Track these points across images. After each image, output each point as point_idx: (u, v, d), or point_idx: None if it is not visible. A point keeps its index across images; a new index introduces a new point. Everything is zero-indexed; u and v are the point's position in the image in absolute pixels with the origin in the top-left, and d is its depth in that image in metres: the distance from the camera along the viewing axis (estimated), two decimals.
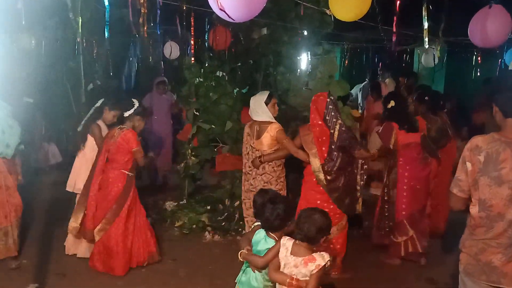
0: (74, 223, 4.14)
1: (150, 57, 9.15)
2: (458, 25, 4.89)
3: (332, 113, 3.87)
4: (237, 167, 5.15)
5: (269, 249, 2.54)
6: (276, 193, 2.94)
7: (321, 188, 3.83)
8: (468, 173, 2.31)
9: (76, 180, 4.44)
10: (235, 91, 5.37)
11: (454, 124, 5.19)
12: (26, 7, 3.65)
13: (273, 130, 4.08)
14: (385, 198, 4.37)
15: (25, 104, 5.96)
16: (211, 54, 5.86)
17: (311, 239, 2.45)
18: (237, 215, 5.00)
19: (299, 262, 2.41)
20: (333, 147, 3.79)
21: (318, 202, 3.79)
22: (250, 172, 4.24)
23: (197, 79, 5.40)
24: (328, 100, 3.91)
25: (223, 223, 4.98)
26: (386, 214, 4.34)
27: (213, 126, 5.26)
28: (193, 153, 5.39)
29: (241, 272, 2.78)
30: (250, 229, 2.95)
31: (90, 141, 4.43)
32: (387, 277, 4.19)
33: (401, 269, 4.38)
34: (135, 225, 4.14)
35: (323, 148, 3.80)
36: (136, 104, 4.12)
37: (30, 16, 5.20)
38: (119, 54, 8.82)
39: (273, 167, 4.15)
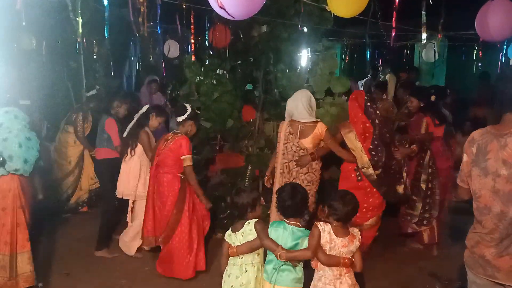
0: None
1: (151, 56, 9.16)
2: (459, 19, 4.89)
3: (371, 110, 4.05)
4: (238, 164, 5.16)
5: (310, 238, 2.67)
6: (293, 182, 3.37)
7: (360, 183, 4.00)
8: (464, 164, 2.42)
9: (125, 187, 4.42)
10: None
11: (455, 118, 5.21)
12: (27, 7, 3.66)
13: (321, 129, 4.03)
14: (423, 189, 4.53)
15: (24, 105, 5.98)
16: (211, 52, 5.86)
17: (346, 218, 2.69)
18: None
19: (346, 242, 2.65)
20: (376, 142, 3.97)
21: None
22: (290, 172, 4.08)
23: (198, 77, 5.41)
24: (366, 97, 4.09)
25: (226, 221, 5.00)
26: (427, 207, 4.54)
27: (214, 124, 5.27)
28: (194, 151, 5.40)
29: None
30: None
31: (139, 148, 4.40)
32: (390, 271, 4.20)
33: (404, 263, 4.40)
34: (198, 228, 4.08)
35: (366, 145, 3.96)
36: (189, 109, 4.08)
37: (31, 16, 5.22)
38: (120, 53, 8.82)
39: (317, 166, 4.11)
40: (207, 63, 5.58)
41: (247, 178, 5.08)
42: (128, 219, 4.47)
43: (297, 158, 4.04)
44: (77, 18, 4.03)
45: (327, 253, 2.66)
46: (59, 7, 5.67)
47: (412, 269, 4.29)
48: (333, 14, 3.95)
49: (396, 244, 4.77)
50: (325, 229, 2.67)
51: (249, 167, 5.12)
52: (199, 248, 4.06)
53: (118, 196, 4.47)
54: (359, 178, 4.03)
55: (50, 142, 6.36)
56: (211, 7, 2.89)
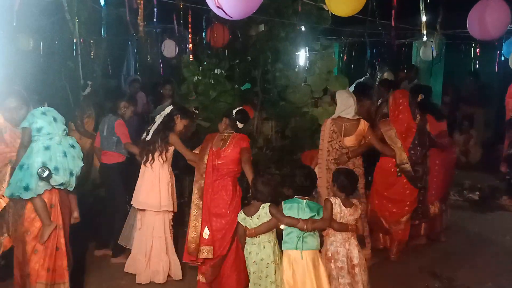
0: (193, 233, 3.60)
1: (148, 56, 9.12)
2: (456, 17, 4.88)
3: (413, 110, 4.33)
4: None
5: (324, 210, 3.15)
6: (307, 167, 3.72)
7: (398, 179, 4.26)
8: None
9: (148, 196, 3.95)
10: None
11: (454, 116, 5.26)
12: (24, 7, 3.63)
13: (364, 125, 4.18)
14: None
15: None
16: (209, 52, 5.85)
17: (351, 191, 3.33)
18: None
19: (352, 211, 3.24)
20: (416, 142, 4.23)
21: (389, 203, 4.36)
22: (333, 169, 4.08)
23: (196, 77, 5.40)
24: (409, 98, 4.37)
25: None
26: (421, 198, 4.53)
27: (212, 123, 5.25)
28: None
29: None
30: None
31: (169, 153, 4.01)
32: (390, 270, 4.20)
33: (405, 262, 4.39)
34: None
35: (407, 144, 4.22)
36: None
37: (28, 16, 5.20)
38: (117, 53, 8.80)
39: (360, 162, 4.22)
40: (205, 62, 5.57)
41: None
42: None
43: (337, 157, 4.19)
44: (74, 18, 4.00)
45: (338, 221, 3.20)
46: (56, 7, 5.64)
47: (412, 268, 4.29)
48: (331, 13, 3.95)
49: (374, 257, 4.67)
50: (336, 202, 3.23)
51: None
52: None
53: (138, 206, 4.03)
54: (399, 174, 4.27)
55: None
56: (208, 6, 2.88)
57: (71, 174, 3.09)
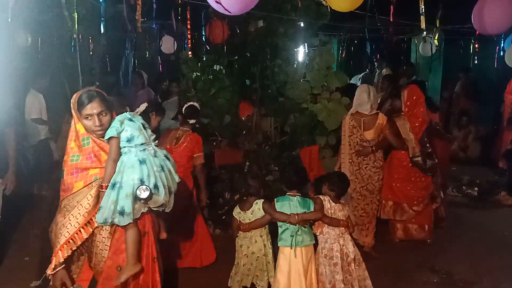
0: None
1: (147, 52, 9.11)
2: (455, 13, 4.88)
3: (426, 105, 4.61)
4: (237, 160, 5.15)
5: (316, 206, 3.27)
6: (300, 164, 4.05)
7: (412, 169, 4.51)
8: None
9: None
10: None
11: (452, 112, 5.29)
12: (22, 3, 3.62)
13: (382, 119, 4.35)
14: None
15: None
16: (208, 48, 5.84)
17: (340, 193, 3.45)
18: None
19: (341, 207, 3.37)
20: (427, 135, 4.47)
21: (408, 186, 4.61)
22: (356, 162, 4.39)
23: (195, 73, 5.39)
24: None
25: (224, 217, 5.00)
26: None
27: (211, 120, 5.26)
28: None
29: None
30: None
31: None
32: (388, 265, 4.21)
33: (403, 257, 4.41)
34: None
35: (418, 136, 4.45)
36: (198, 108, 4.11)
37: (26, 12, 5.18)
38: (116, 50, 8.78)
39: (381, 155, 4.42)
40: (204, 58, 5.56)
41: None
42: None
43: (359, 150, 4.34)
44: (72, 14, 3.99)
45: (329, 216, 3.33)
46: (54, 3, 5.63)
47: (411, 262, 4.31)
48: (330, 8, 3.94)
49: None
50: (325, 199, 3.36)
51: (247, 163, 5.12)
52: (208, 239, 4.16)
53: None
54: (412, 165, 4.51)
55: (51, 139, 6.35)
56: (207, 2, 2.88)
57: (170, 192, 2.41)
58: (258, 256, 3.40)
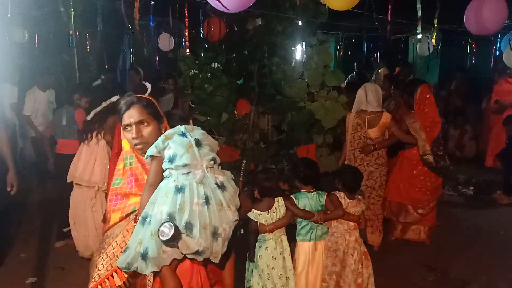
0: None
1: (144, 50, 9.09)
2: (452, 12, 4.89)
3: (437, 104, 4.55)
4: (234, 158, 5.15)
5: (336, 204, 3.29)
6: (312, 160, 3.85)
7: (422, 168, 4.47)
8: None
9: (86, 173, 4.14)
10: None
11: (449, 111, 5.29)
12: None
13: (386, 118, 4.40)
14: None
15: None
16: (205, 46, 5.83)
17: (354, 189, 3.44)
18: None
19: (355, 203, 3.37)
20: (441, 135, 4.45)
21: (416, 188, 4.57)
22: (356, 159, 4.46)
23: (192, 70, 5.38)
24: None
25: None
26: None
27: (208, 118, 5.25)
28: None
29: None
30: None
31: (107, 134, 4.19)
32: (384, 264, 4.22)
33: (399, 256, 4.42)
34: None
35: (431, 137, 4.41)
36: (150, 88, 4.06)
37: (23, 9, 5.16)
38: (113, 46, 8.76)
39: (384, 153, 4.48)
40: (201, 56, 5.55)
41: (242, 172, 5.08)
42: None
43: (361, 146, 4.40)
44: (69, 11, 3.98)
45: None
46: (51, 0, 5.61)
47: (407, 261, 4.33)
48: (328, 7, 3.95)
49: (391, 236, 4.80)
50: (341, 196, 3.36)
51: (244, 161, 5.12)
52: None
53: (72, 180, 4.20)
54: (423, 164, 4.48)
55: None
56: None
57: (214, 234, 1.75)
58: (284, 257, 3.23)
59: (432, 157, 4.42)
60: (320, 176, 3.59)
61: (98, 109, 4.22)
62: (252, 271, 3.19)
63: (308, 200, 3.25)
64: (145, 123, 1.97)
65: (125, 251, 1.76)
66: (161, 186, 1.81)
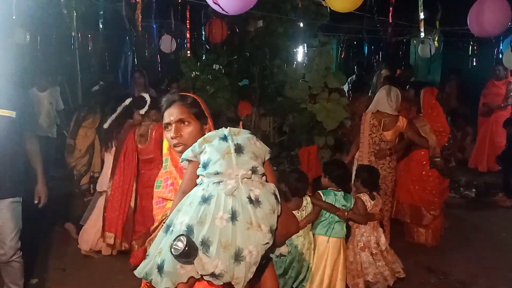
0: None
1: (146, 51, 9.09)
2: (454, 14, 4.89)
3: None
4: None
5: (359, 208, 3.49)
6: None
7: (431, 170, 4.53)
8: None
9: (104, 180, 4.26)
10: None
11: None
12: (21, 1, 3.60)
13: (402, 122, 4.47)
14: None
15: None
16: (207, 47, 5.84)
17: (373, 187, 3.70)
18: None
19: (377, 202, 3.61)
20: (451, 141, 4.58)
21: (426, 189, 4.61)
22: (375, 161, 4.47)
23: (194, 72, 5.39)
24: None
25: None
26: None
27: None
28: None
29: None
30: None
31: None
32: None
33: (400, 257, 4.41)
34: None
35: (441, 141, 4.50)
36: (148, 98, 4.05)
37: (25, 10, 5.17)
38: (115, 48, 8.77)
39: (395, 156, 4.55)
40: (203, 58, 5.56)
41: None
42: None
43: (377, 149, 4.44)
44: (71, 12, 3.99)
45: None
46: (53, 1, 5.63)
47: (408, 263, 4.31)
48: (330, 9, 3.95)
49: (392, 238, 4.79)
50: (366, 199, 3.58)
51: None
52: None
53: (100, 190, 4.32)
54: (432, 166, 4.55)
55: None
56: (206, 1, 2.88)
57: (237, 256, 1.47)
58: (310, 251, 3.49)
59: (441, 160, 4.50)
60: (349, 179, 3.76)
61: (113, 116, 4.26)
62: (280, 267, 3.35)
63: (334, 197, 3.44)
64: (186, 123, 1.84)
65: (145, 258, 1.59)
66: (191, 193, 1.60)
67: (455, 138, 6.83)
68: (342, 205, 3.45)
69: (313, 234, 3.50)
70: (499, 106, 6.59)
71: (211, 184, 1.56)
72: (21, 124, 3.12)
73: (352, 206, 3.48)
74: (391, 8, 4.06)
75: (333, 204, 3.44)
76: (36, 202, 3.31)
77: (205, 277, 1.49)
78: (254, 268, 1.50)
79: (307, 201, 3.48)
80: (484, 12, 3.84)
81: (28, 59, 6.20)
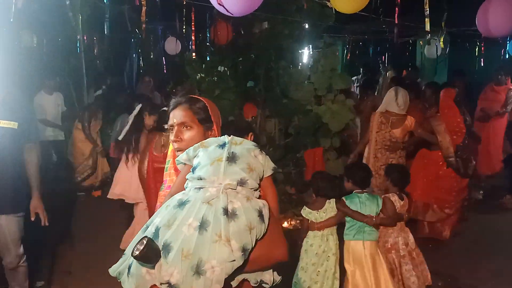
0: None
1: (151, 54, 9.13)
2: (460, 15, 4.86)
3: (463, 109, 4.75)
4: None
5: (388, 209, 3.40)
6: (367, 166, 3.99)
7: (446, 170, 4.57)
8: None
9: (127, 190, 4.26)
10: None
11: None
12: (27, 4, 3.60)
13: (410, 121, 4.57)
14: None
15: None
16: (212, 49, 5.84)
17: (403, 185, 3.62)
18: None
19: (405, 203, 3.51)
20: (466, 141, 4.60)
21: (442, 188, 4.67)
22: (381, 158, 4.61)
23: (199, 74, 5.39)
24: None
25: None
26: None
27: None
28: None
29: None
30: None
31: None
32: None
33: None
34: None
35: (456, 142, 4.54)
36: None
37: (31, 14, 5.20)
38: (120, 51, 8.81)
39: (404, 153, 4.66)
40: (208, 60, 5.56)
41: None
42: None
43: (388, 144, 4.54)
44: (77, 15, 4.00)
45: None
46: (59, 4, 5.65)
47: (416, 267, 4.28)
48: (335, 10, 3.93)
49: None
50: (395, 200, 3.48)
51: None
52: None
53: (114, 197, 4.33)
54: (447, 166, 4.59)
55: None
56: (211, 3, 2.88)
57: (197, 268, 1.34)
58: (328, 256, 3.37)
59: (455, 160, 4.52)
60: (371, 179, 3.72)
61: (127, 127, 4.25)
62: (298, 265, 3.38)
63: (358, 200, 3.35)
64: (188, 127, 1.79)
65: (121, 257, 1.50)
66: (175, 195, 1.53)
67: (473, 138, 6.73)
68: (368, 207, 3.33)
69: (345, 241, 3.41)
70: (497, 113, 6.49)
71: (192, 190, 1.49)
72: (23, 135, 2.98)
73: (379, 208, 3.36)
74: (397, 9, 4.04)
75: (359, 208, 3.33)
76: (32, 219, 3.05)
77: (162, 286, 1.36)
78: (216, 287, 1.34)
79: (330, 204, 3.41)
80: (492, 12, 3.80)
81: (34, 62, 6.24)
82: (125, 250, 1.47)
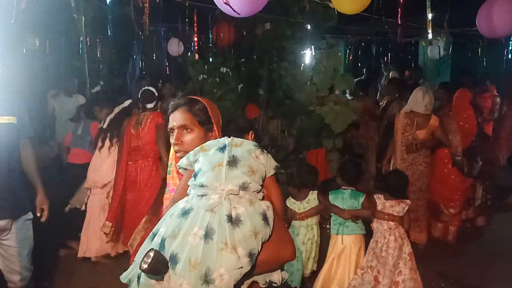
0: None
1: (154, 55, 9.14)
2: (463, 15, 4.84)
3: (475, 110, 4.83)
4: None
5: (367, 203, 3.47)
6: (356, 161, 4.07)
7: (452, 168, 4.63)
8: None
9: (102, 176, 4.28)
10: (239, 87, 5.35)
11: None
12: (30, 6, 3.61)
13: (435, 121, 4.56)
14: None
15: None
16: (215, 50, 5.84)
17: (398, 193, 3.52)
18: None
19: (394, 203, 3.46)
20: (476, 139, 4.69)
21: (447, 187, 4.72)
22: (408, 158, 4.60)
23: (201, 75, 5.39)
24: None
25: None
26: None
27: None
28: None
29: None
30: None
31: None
32: None
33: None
34: None
35: (466, 142, 4.61)
36: (156, 92, 4.18)
37: (34, 16, 5.22)
38: (123, 52, 8.82)
39: (428, 153, 4.64)
40: (210, 61, 5.56)
41: None
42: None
43: (414, 145, 4.54)
44: (80, 17, 4.01)
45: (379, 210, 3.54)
46: (62, 6, 5.66)
47: (419, 267, 4.26)
48: (337, 11, 3.93)
49: None
50: (380, 197, 3.52)
51: None
52: None
53: (90, 187, 4.34)
54: (453, 164, 4.66)
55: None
56: (214, 4, 2.87)
57: (206, 278, 1.33)
58: (312, 243, 3.66)
59: (461, 159, 4.59)
60: (360, 178, 3.82)
61: (112, 115, 4.33)
62: None
63: (342, 196, 3.51)
64: (188, 129, 1.76)
65: (132, 264, 1.48)
66: (177, 203, 1.51)
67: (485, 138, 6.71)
68: (349, 203, 3.48)
69: (331, 235, 3.60)
70: (485, 119, 6.56)
71: (195, 197, 1.46)
72: (21, 131, 2.96)
73: (359, 204, 3.49)
74: (399, 10, 4.03)
75: (340, 203, 3.50)
76: (38, 214, 3.05)
77: None
78: None
79: (312, 196, 3.65)
80: (493, 13, 3.80)
81: (37, 65, 6.25)
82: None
